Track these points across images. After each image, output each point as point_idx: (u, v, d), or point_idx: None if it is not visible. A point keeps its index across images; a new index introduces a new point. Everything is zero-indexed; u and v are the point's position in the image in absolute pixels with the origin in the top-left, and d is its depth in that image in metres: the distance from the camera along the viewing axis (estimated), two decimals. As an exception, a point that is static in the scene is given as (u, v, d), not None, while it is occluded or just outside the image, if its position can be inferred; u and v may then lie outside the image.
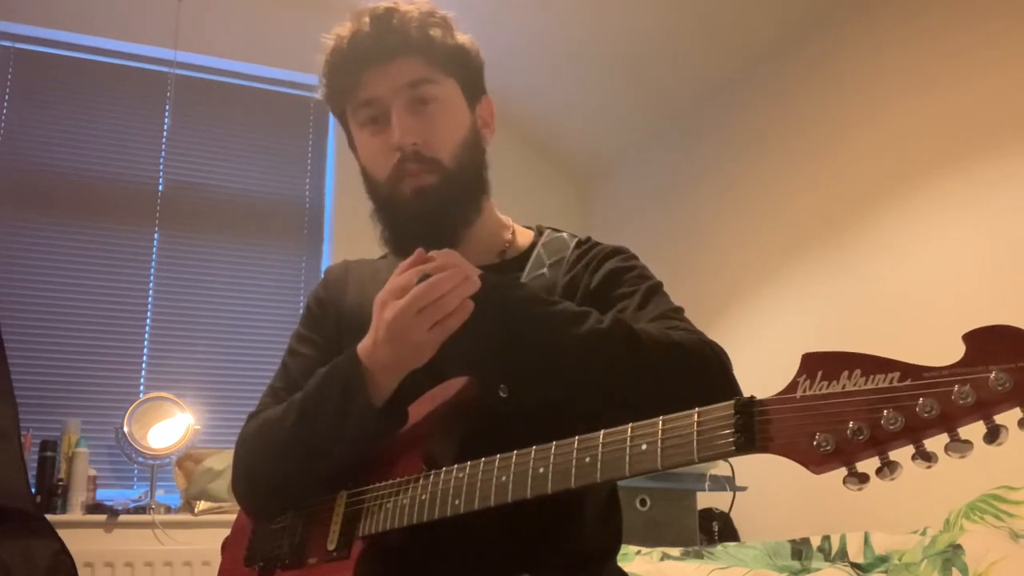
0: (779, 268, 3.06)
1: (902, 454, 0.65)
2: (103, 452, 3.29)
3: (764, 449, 0.69)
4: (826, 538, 2.19)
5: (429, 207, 1.04)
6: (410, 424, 1.01)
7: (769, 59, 3.25)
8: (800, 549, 2.20)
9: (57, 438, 3.14)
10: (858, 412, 0.64)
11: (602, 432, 0.79)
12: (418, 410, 1.01)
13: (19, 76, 3.54)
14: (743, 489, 2.77)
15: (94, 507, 3.07)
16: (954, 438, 0.62)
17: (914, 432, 0.63)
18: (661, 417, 0.76)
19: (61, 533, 2.30)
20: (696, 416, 0.74)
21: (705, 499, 2.78)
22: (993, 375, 0.59)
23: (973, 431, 0.62)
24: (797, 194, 3.06)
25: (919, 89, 2.62)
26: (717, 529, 2.75)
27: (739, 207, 3.34)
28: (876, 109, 2.77)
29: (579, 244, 1.13)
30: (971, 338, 0.62)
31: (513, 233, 1.15)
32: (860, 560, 2.05)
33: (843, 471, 0.66)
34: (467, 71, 1.10)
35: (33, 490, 2.74)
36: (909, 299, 2.48)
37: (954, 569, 1.69)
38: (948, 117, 2.53)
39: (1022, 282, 2.23)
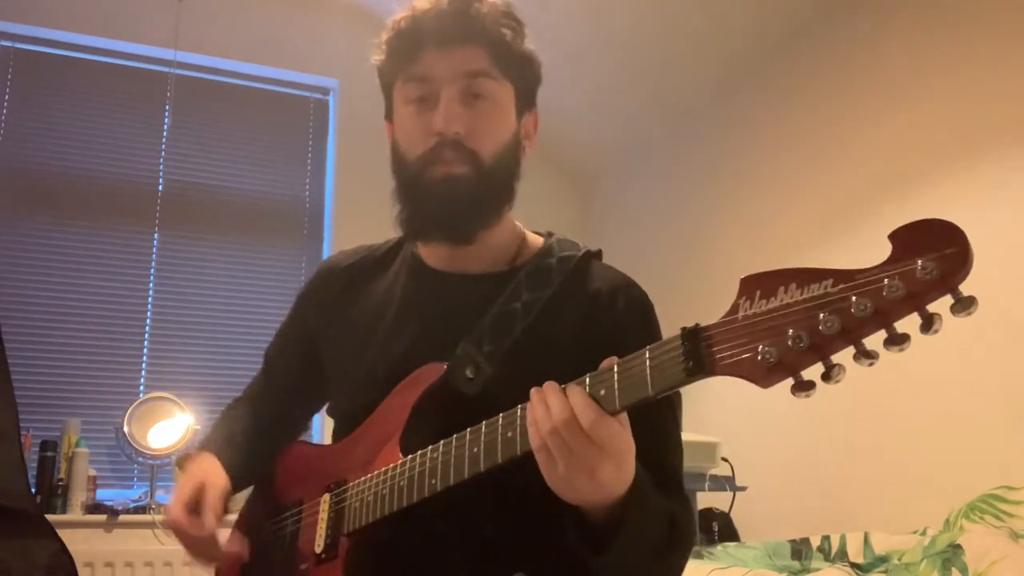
0: (779, 267, 3.06)
1: (845, 357, 0.66)
2: (103, 452, 3.29)
3: (712, 371, 0.71)
4: (826, 538, 2.19)
5: (455, 197, 1.01)
6: (386, 417, 1.02)
7: (770, 61, 3.25)
8: (800, 549, 2.20)
9: (57, 438, 3.14)
10: (797, 321, 0.66)
11: (563, 386, 0.81)
12: (392, 402, 1.02)
13: (19, 76, 3.54)
14: (743, 489, 2.77)
15: (94, 507, 3.08)
16: (891, 333, 0.63)
17: (851, 332, 0.64)
18: (616, 361, 0.78)
19: (61, 533, 2.30)
20: (647, 353, 0.76)
21: (705, 499, 2.78)
22: (919, 264, 0.61)
23: (910, 325, 0.63)
24: (798, 196, 3.06)
25: (921, 90, 2.62)
26: (717, 529, 2.75)
27: (740, 208, 3.34)
28: (878, 111, 2.77)
29: (588, 256, 1.11)
30: (897, 236, 0.64)
31: (523, 241, 1.13)
32: (860, 560, 2.05)
33: (790, 383, 0.67)
34: (524, 80, 1.09)
35: (33, 490, 2.74)
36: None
37: (954, 569, 1.69)
38: (949, 118, 2.52)
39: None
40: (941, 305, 0.61)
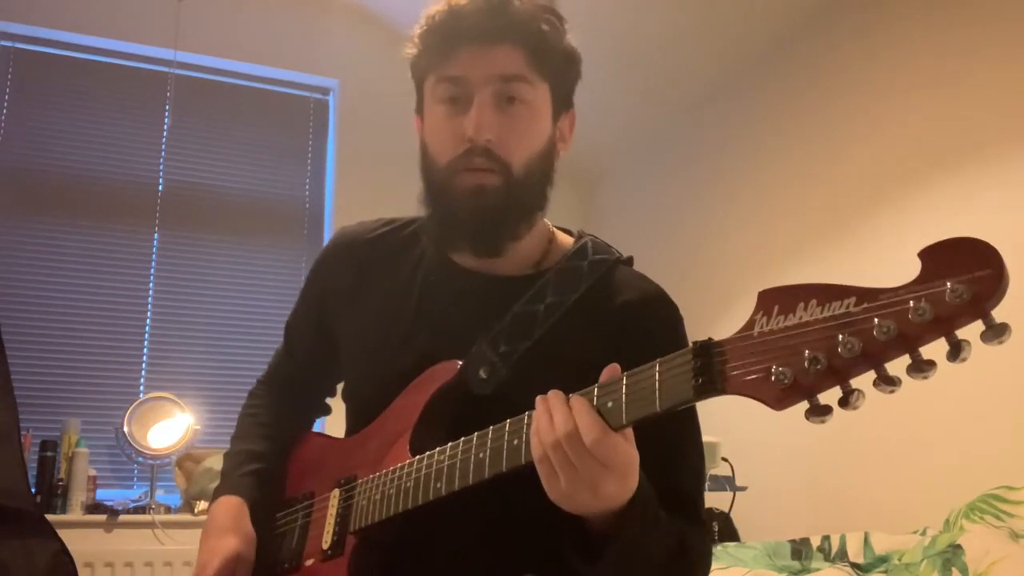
0: (779, 268, 3.06)
1: (865, 383, 0.63)
2: (103, 452, 3.29)
3: (724, 390, 0.67)
4: (826, 538, 2.19)
5: (484, 209, 0.98)
6: (398, 414, 1.01)
7: (770, 62, 3.25)
8: (800, 549, 2.20)
9: (57, 438, 3.14)
10: (814, 341, 0.62)
11: (569, 396, 0.79)
12: (404, 400, 1.01)
13: (19, 76, 3.53)
14: (743, 489, 2.77)
15: (94, 507, 3.08)
16: (916, 359, 0.59)
17: (873, 356, 0.60)
18: (625, 373, 0.76)
19: (61, 533, 2.29)
20: (657, 367, 0.73)
21: (705, 499, 2.78)
22: (949, 287, 0.57)
23: (937, 351, 0.59)
24: (798, 194, 3.06)
25: (921, 89, 2.62)
26: (717, 529, 2.75)
27: (739, 207, 3.34)
28: (878, 109, 2.77)
29: (619, 263, 1.07)
30: (927, 254, 0.59)
31: (552, 241, 1.09)
32: (860, 560, 2.05)
33: (805, 405, 0.64)
34: (563, 80, 1.05)
35: (33, 490, 2.74)
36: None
37: (954, 569, 1.69)
38: (950, 117, 2.52)
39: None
40: (971, 331, 0.58)
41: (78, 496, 3.06)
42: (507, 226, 1.01)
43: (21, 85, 3.52)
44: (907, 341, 0.59)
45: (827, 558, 2.14)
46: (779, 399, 0.64)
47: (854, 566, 2.00)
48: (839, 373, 0.62)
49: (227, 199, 3.76)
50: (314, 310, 1.19)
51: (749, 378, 0.66)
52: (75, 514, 3.02)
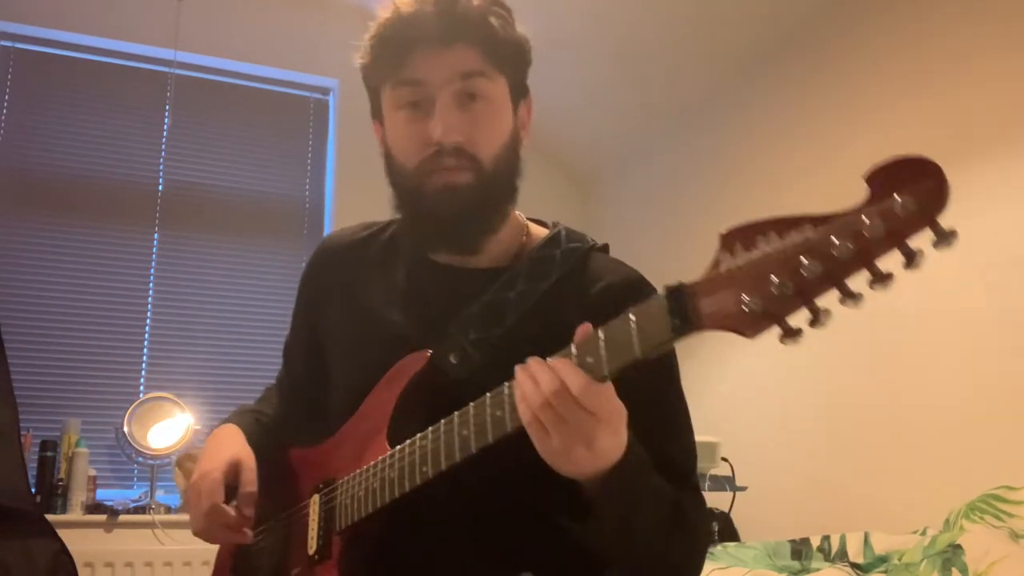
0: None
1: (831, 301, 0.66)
2: (103, 452, 3.29)
3: (700, 327, 0.70)
4: (826, 538, 2.19)
5: (459, 207, 0.99)
6: (371, 411, 1.00)
7: (770, 59, 3.25)
8: (800, 549, 2.20)
9: (57, 438, 3.14)
10: (779, 269, 0.65)
11: (548, 359, 0.79)
12: (376, 396, 1.01)
13: (19, 76, 3.53)
14: (743, 489, 2.77)
15: (94, 507, 3.08)
16: (875, 272, 0.62)
17: (835, 275, 0.63)
18: (599, 327, 0.77)
19: (61, 533, 2.30)
20: (631, 315, 0.74)
21: (705, 499, 2.78)
22: (899, 201, 0.60)
23: (893, 263, 0.63)
24: (797, 193, 3.06)
25: (922, 90, 2.62)
26: (717, 529, 2.75)
27: (738, 206, 3.34)
28: (879, 109, 2.77)
29: (594, 250, 1.09)
30: (873, 176, 0.62)
31: (527, 234, 1.10)
32: (860, 560, 2.05)
33: (778, 332, 0.66)
34: (517, 69, 1.06)
35: (33, 490, 2.74)
36: (912, 302, 2.48)
37: (954, 569, 1.69)
38: (950, 118, 2.52)
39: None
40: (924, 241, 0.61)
41: (78, 496, 3.06)
42: (482, 221, 1.02)
43: (21, 85, 3.52)
44: (865, 256, 0.62)
45: (827, 558, 2.14)
46: (752, 326, 0.67)
47: (854, 566, 2.00)
48: (805, 294, 0.64)
49: (227, 199, 3.76)
50: (303, 323, 1.20)
51: (721, 312, 0.68)
52: (75, 514, 3.02)
